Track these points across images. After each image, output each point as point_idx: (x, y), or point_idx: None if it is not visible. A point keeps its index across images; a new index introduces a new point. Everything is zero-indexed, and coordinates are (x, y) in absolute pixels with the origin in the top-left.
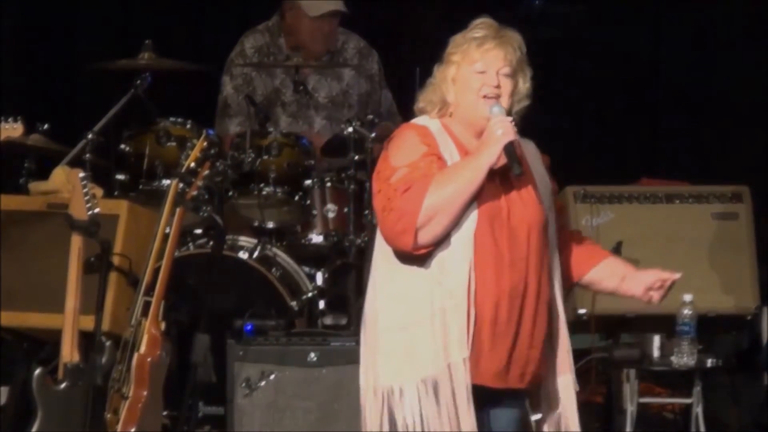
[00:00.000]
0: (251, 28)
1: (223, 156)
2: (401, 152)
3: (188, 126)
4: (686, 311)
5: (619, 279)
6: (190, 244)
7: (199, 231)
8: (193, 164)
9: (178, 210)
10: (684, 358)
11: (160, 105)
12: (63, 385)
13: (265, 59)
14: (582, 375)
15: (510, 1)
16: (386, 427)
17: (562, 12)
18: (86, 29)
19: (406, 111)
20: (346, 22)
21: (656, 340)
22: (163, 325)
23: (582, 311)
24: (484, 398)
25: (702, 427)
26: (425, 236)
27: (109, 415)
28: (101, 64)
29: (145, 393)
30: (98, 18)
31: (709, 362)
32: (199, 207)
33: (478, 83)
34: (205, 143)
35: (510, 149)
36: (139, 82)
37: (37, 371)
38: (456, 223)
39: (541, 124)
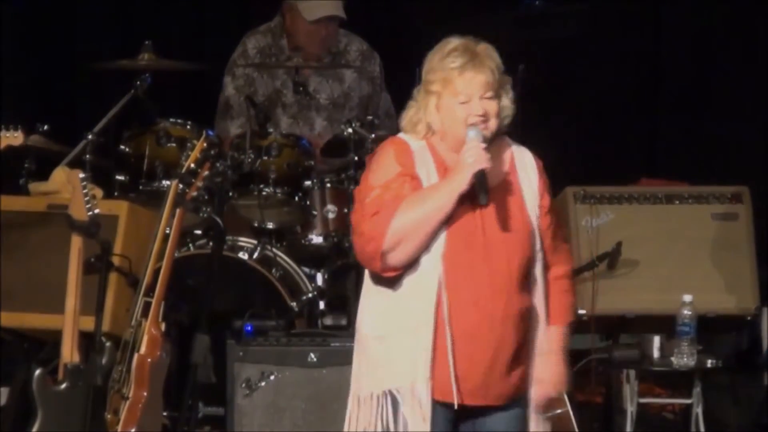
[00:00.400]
0: (253, 29)
1: (223, 157)
2: (378, 171)
3: (188, 126)
4: (686, 312)
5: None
6: (190, 245)
7: (199, 231)
8: (193, 165)
9: (178, 210)
10: (684, 358)
11: (159, 105)
12: (63, 386)
13: (267, 60)
14: (582, 375)
15: (510, 1)
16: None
17: (562, 12)
18: (86, 29)
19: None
20: (348, 23)
21: (656, 340)
22: (163, 326)
23: (582, 312)
24: (467, 414)
25: (702, 428)
26: (393, 260)
27: (109, 416)
28: (101, 65)
29: (145, 393)
30: (98, 18)
31: (709, 363)
32: (199, 208)
33: (463, 113)
34: (205, 144)
35: (480, 177)
36: (139, 82)
37: (38, 372)
38: (425, 246)
39: (541, 124)
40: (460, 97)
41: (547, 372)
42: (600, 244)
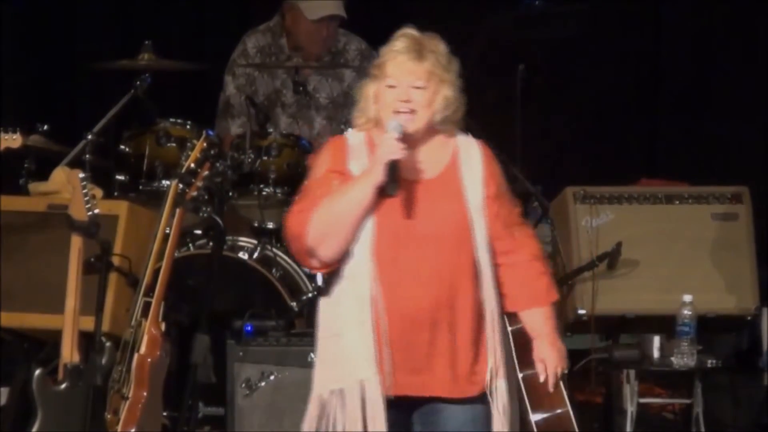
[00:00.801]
0: (253, 29)
1: (223, 157)
2: (314, 168)
3: (188, 126)
4: (686, 312)
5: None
6: (190, 245)
7: (199, 231)
8: (192, 165)
9: (178, 210)
10: (684, 358)
11: (159, 105)
12: (63, 386)
13: (267, 59)
14: (582, 375)
15: (510, 1)
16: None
17: (562, 12)
18: (86, 29)
19: None
20: (348, 23)
21: (656, 340)
22: (163, 326)
23: (582, 312)
24: (418, 407)
25: (702, 428)
26: (323, 254)
27: (109, 416)
28: (101, 65)
29: (145, 393)
30: (98, 18)
31: (709, 363)
32: (199, 207)
33: (390, 98)
34: (204, 144)
35: (391, 168)
36: (139, 82)
37: (37, 372)
38: (351, 239)
39: (541, 124)
40: (389, 80)
41: (550, 351)
42: (600, 244)
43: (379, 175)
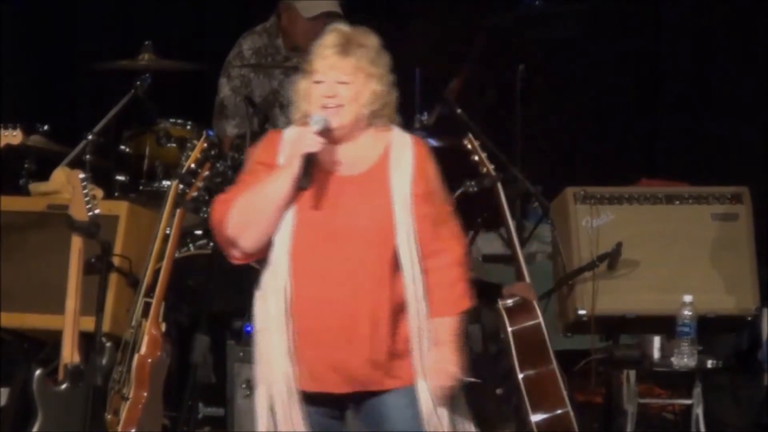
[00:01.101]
0: (249, 30)
1: (223, 157)
2: (247, 161)
3: (188, 127)
4: (686, 312)
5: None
6: (190, 245)
7: (199, 232)
8: (193, 165)
9: (178, 211)
10: (684, 359)
11: (160, 106)
12: (63, 386)
13: (263, 60)
14: (582, 376)
15: (510, 1)
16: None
17: (562, 12)
18: (86, 29)
19: (404, 111)
20: (347, 23)
21: (656, 341)
22: (163, 326)
23: (582, 312)
24: (346, 402)
25: (702, 428)
26: (244, 245)
27: (109, 416)
28: (101, 65)
29: (145, 394)
30: (98, 18)
31: (709, 363)
32: (199, 208)
33: (316, 93)
34: (205, 144)
35: (306, 162)
36: (139, 82)
37: (38, 372)
38: (270, 231)
39: (541, 124)
40: (315, 76)
41: (439, 363)
42: (600, 244)
43: (294, 169)
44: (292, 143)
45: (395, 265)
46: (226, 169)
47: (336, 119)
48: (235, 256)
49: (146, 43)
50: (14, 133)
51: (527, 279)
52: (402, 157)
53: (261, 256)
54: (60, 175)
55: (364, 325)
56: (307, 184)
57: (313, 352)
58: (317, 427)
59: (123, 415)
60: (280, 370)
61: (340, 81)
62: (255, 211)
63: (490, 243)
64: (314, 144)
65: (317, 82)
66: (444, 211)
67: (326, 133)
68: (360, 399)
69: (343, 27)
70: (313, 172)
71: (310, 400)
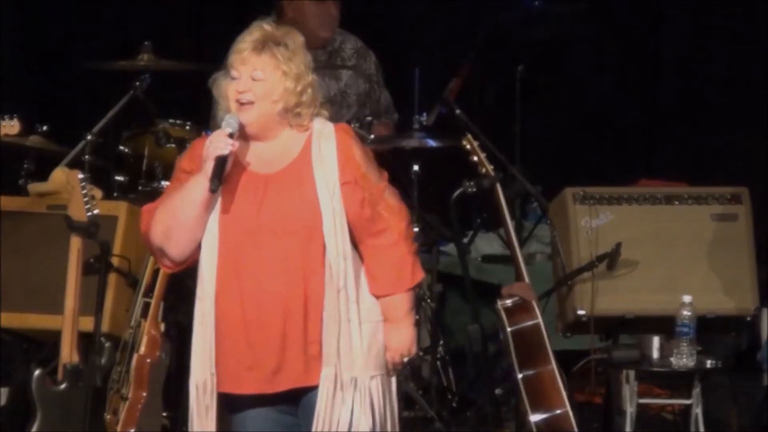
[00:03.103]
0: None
1: None
2: (174, 169)
3: (187, 127)
4: (685, 312)
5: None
6: None
7: None
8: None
9: None
10: (683, 359)
11: (159, 106)
12: (62, 386)
13: None
14: (581, 376)
15: (510, 1)
16: None
17: (562, 12)
18: (86, 29)
19: (404, 111)
20: (347, 22)
21: (655, 341)
22: (162, 326)
23: (581, 312)
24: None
25: (701, 428)
26: (171, 253)
27: (108, 416)
28: (100, 65)
29: (144, 394)
30: (97, 18)
31: (709, 363)
32: None
33: (232, 90)
34: None
35: (217, 163)
36: (138, 83)
37: (37, 372)
38: (195, 236)
39: (541, 124)
40: (231, 72)
41: (391, 339)
42: (599, 244)
43: (207, 171)
44: (206, 147)
45: (323, 258)
46: None
47: (246, 116)
48: (166, 265)
49: (145, 43)
50: (12, 123)
51: (526, 279)
52: (324, 148)
53: (192, 263)
54: (59, 175)
55: (296, 320)
56: (216, 186)
57: (245, 352)
58: (266, 424)
59: (122, 415)
60: (203, 374)
61: (254, 77)
62: (175, 218)
63: (489, 243)
64: (225, 146)
65: (233, 79)
66: (379, 190)
67: (241, 131)
68: (296, 396)
69: (265, 25)
70: (223, 174)
71: (242, 405)
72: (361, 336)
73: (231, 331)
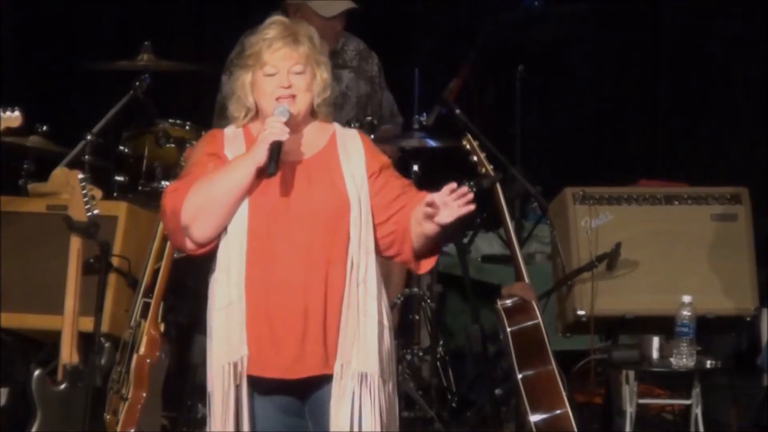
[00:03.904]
0: (251, 29)
1: None
2: (191, 158)
3: (187, 127)
4: (685, 312)
5: (422, 214)
6: None
7: None
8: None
9: None
10: (683, 359)
11: (159, 106)
12: (62, 386)
13: None
14: (581, 376)
15: (510, 1)
16: None
17: (562, 12)
18: (86, 30)
19: (404, 111)
20: (348, 23)
21: (655, 341)
22: (162, 327)
23: (581, 312)
24: (299, 388)
25: (701, 428)
26: (196, 234)
27: (108, 416)
28: (100, 65)
29: (144, 394)
30: (97, 18)
31: (709, 363)
32: None
33: (271, 86)
34: None
35: (273, 148)
36: (138, 83)
37: (37, 372)
38: (227, 219)
39: (541, 124)
40: (267, 68)
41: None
42: (599, 244)
43: (261, 155)
44: (261, 131)
45: (347, 245)
46: None
47: (292, 109)
48: (188, 247)
49: (145, 43)
50: (14, 116)
51: (526, 279)
52: (350, 145)
53: (211, 248)
54: (59, 175)
55: (317, 308)
56: (275, 170)
57: (267, 336)
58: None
59: (122, 415)
60: (231, 356)
61: (294, 71)
62: (214, 199)
63: (489, 243)
64: (282, 132)
65: (269, 75)
66: (404, 181)
67: (286, 122)
68: (309, 389)
69: (283, 18)
70: (279, 159)
71: (263, 389)
72: (375, 333)
73: (254, 315)
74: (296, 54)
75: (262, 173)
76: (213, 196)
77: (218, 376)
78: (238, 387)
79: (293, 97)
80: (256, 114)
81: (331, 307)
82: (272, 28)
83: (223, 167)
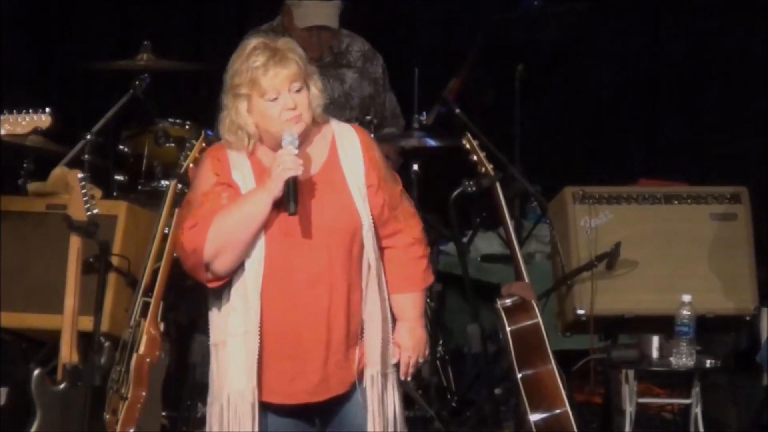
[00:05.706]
0: (255, 29)
1: None
2: (198, 182)
3: (187, 126)
4: (685, 312)
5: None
6: None
7: None
8: (191, 165)
9: (176, 210)
10: (683, 358)
11: (158, 106)
12: (62, 386)
13: None
14: (581, 375)
15: (510, 1)
16: None
17: (562, 12)
18: (85, 29)
19: (404, 111)
20: (348, 23)
21: (655, 340)
22: (162, 326)
23: (581, 312)
24: (316, 411)
25: (701, 428)
26: (219, 269)
27: (108, 416)
28: (100, 65)
29: (143, 393)
30: (97, 18)
31: (708, 363)
32: None
33: (276, 110)
34: (203, 144)
35: (290, 185)
36: (137, 82)
37: (36, 372)
38: (246, 253)
39: (541, 124)
40: (268, 94)
41: (407, 338)
42: (599, 244)
43: (275, 191)
44: (273, 167)
45: (362, 259)
46: None
47: (298, 128)
48: (208, 280)
49: (145, 43)
50: (44, 117)
51: (526, 278)
52: (349, 150)
53: (229, 277)
54: (58, 174)
55: (339, 325)
56: (294, 209)
57: (288, 361)
58: None
59: (121, 414)
60: (243, 386)
61: (293, 90)
62: (233, 235)
63: (488, 243)
64: (296, 167)
65: (272, 100)
66: (397, 194)
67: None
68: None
69: (263, 40)
70: (297, 196)
71: (279, 412)
72: (389, 332)
73: (276, 341)
74: (291, 74)
75: (278, 205)
76: (233, 233)
77: (224, 404)
78: (252, 412)
79: (299, 116)
80: (259, 138)
81: (352, 321)
82: (258, 54)
83: (240, 202)
